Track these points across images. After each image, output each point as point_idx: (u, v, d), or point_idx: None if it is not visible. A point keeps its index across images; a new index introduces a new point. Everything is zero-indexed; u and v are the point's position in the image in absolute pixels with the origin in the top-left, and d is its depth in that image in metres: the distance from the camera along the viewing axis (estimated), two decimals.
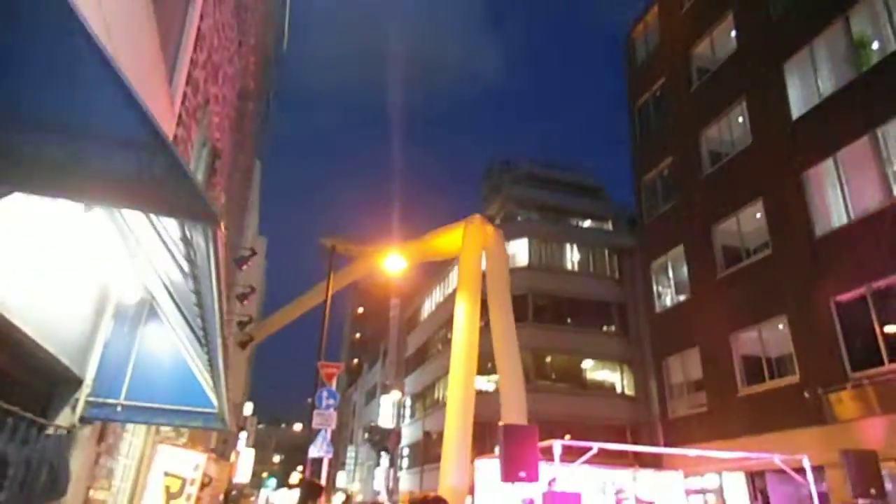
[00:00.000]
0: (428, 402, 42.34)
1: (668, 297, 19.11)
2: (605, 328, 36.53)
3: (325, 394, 12.02)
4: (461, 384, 17.54)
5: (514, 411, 16.17)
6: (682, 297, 18.23)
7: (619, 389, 35.76)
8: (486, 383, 35.28)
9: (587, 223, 41.17)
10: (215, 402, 4.71)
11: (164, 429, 7.88)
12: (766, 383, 14.55)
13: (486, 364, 35.78)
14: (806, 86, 14.64)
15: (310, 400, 12.75)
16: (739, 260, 15.96)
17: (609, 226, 40.91)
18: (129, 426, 6.07)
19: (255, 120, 15.19)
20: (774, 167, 14.99)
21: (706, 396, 16.43)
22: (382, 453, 48.95)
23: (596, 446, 7.83)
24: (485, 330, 36.80)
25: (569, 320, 36.05)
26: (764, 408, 14.36)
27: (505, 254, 20.00)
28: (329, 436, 11.81)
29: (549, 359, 34.74)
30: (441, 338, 43.00)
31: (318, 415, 11.77)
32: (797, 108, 14.71)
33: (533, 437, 6.96)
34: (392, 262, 15.52)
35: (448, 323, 42.46)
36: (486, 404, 34.52)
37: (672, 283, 18.73)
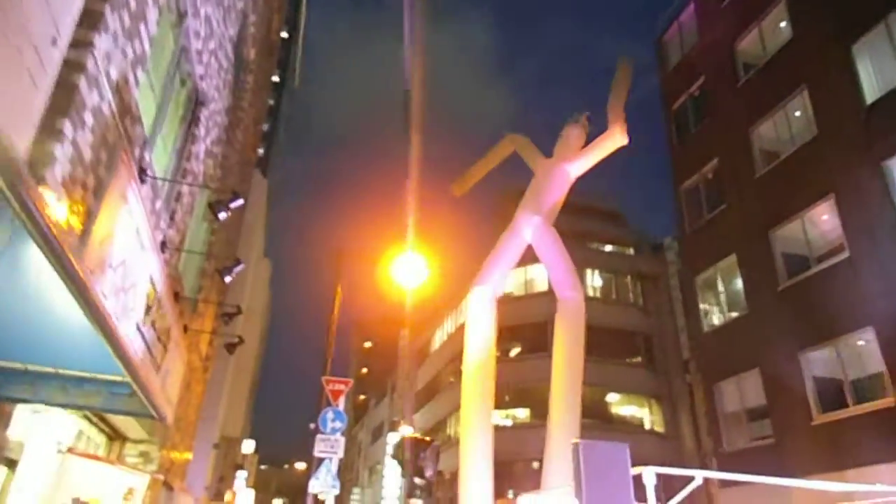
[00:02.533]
0: (440, 439, 39.75)
1: (716, 314, 17.03)
2: (630, 360, 34.21)
3: (330, 415, 9.98)
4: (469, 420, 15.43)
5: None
6: (735, 314, 16.15)
7: (647, 426, 33.23)
8: (501, 418, 32.91)
9: (607, 248, 39.20)
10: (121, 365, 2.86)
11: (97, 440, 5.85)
12: (849, 409, 12.37)
13: (502, 396, 33.52)
14: (881, 67, 12.89)
15: (312, 426, 10.66)
16: (806, 267, 13.94)
17: (631, 251, 38.93)
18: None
19: (256, 103, 13.46)
20: (846, 159, 13.12)
21: (772, 426, 14.20)
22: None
23: (699, 475, 5.76)
24: (502, 359, 34.51)
25: (592, 350, 33.64)
26: (846, 438, 12.15)
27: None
28: (336, 466, 9.71)
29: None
30: (453, 370, 40.66)
31: (321, 440, 9.71)
32: (871, 93, 12.93)
33: (623, 461, 4.94)
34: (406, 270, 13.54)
35: (461, 354, 40.26)
36: (500, 441, 32.14)
37: (722, 298, 16.68)
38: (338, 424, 9.93)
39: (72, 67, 3.31)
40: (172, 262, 6.76)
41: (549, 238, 15.69)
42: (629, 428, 32.99)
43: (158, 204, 5.52)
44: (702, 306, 17.35)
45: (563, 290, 15.40)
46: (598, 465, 4.78)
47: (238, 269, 6.65)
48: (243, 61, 10.42)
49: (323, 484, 9.45)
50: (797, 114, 15.13)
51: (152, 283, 5.59)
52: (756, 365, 14.75)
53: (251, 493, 34.45)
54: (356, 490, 59.36)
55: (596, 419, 31.41)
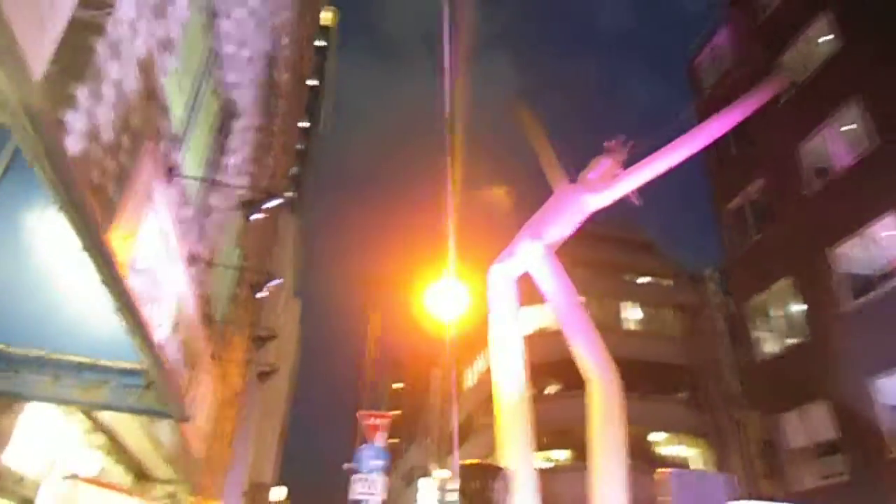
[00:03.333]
0: None
1: (771, 341, 15.97)
2: (673, 396, 32.71)
3: (368, 453, 9.26)
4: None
5: None
6: (793, 341, 15.09)
7: (695, 466, 31.48)
8: (541, 461, 31.48)
9: (643, 280, 38.07)
10: (139, 351, 2.33)
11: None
12: None
13: (540, 438, 32.18)
14: None
15: (346, 466, 9.97)
16: (872, 286, 12.97)
17: (669, 283, 37.74)
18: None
19: (287, 131, 13.23)
20: None
21: (844, 462, 13.01)
22: None
23: None
24: (538, 398, 33.40)
25: (632, 387, 32.23)
26: None
27: None
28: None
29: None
30: (488, 410, 39.43)
31: (359, 481, 8.98)
32: None
33: (720, 493, 4.18)
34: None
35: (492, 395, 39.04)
36: (540, 485, 30.60)
37: (777, 324, 15.65)
38: (378, 463, 9.21)
39: (88, 27, 2.87)
40: (202, 280, 6.28)
41: (558, 286, 14.30)
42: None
43: (187, 212, 5.07)
44: (754, 334, 16.32)
45: (591, 368, 13.40)
46: (691, 497, 4.03)
47: (273, 283, 6.13)
48: (275, 83, 10.18)
49: None
50: (849, 127, 14.38)
51: (179, 299, 5.09)
52: (822, 395, 13.64)
53: None
54: None
55: (638, 460, 29.77)
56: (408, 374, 73.48)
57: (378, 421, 9.48)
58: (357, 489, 8.82)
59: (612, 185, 13.69)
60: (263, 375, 8.28)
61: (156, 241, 4.17)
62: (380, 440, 9.46)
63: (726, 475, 3.90)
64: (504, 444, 14.78)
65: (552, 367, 31.90)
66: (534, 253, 14.03)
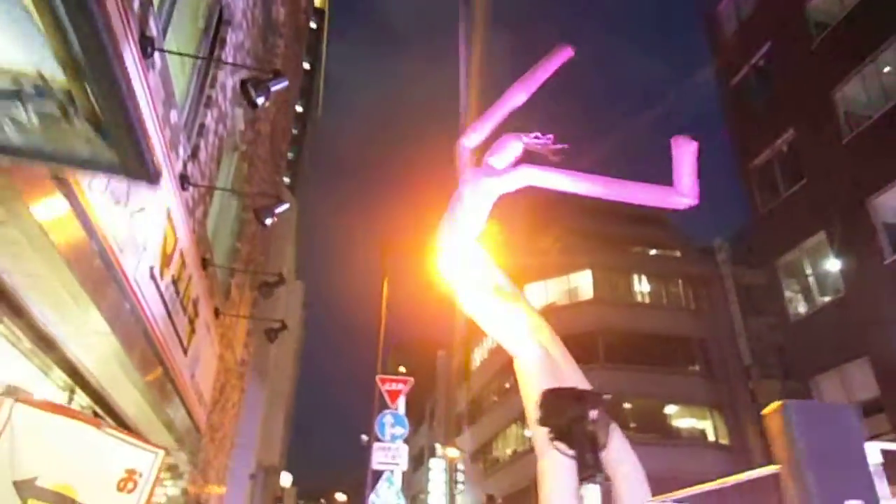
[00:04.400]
0: (487, 462, 37.71)
1: (804, 300, 15.13)
2: (686, 368, 32.01)
3: (388, 419, 8.44)
4: None
5: None
6: (828, 298, 14.26)
7: (710, 438, 30.86)
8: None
9: (652, 253, 37.21)
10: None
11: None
12: None
13: None
14: None
15: (365, 438, 9.08)
16: None
17: (677, 254, 36.91)
18: None
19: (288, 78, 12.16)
20: None
21: (888, 421, 12.23)
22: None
23: None
24: None
25: (644, 360, 31.58)
26: None
27: None
28: (400, 480, 8.14)
29: (626, 405, 30.17)
30: (496, 388, 38.78)
31: (380, 449, 8.16)
32: None
33: (854, 428, 3.34)
34: None
35: (504, 371, 38.39)
36: None
37: (811, 282, 14.80)
38: (398, 430, 8.40)
39: None
40: (198, 215, 5.38)
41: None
42: (691, 441, 30.76)
43: (174, 116, 4.14)
44: (786, 294, 15.47)
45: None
46: (821, 436, 3.23)
47: (281, 208, 5.22)
48: (273, 21, 9.20)
49: (385, 499, 7.87)
50: (887, 69, 13.44)
51: (170, 222, 4.19)
52: (863, 352, 12.83)
53: None
54: None
55: (654, 433, 29.18)
56: (412, 358, 72.99)
57: (398, 385, 8.66)
58: (378, 458, 8.01)
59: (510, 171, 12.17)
60: (272, 333, 7.40)
61: None
62: (400, 406, 8.65)
63: (849, 406, 3.25)
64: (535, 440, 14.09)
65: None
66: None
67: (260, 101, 3.75)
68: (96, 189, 2.78)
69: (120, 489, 2.50)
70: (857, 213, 13.28)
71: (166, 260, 4.21)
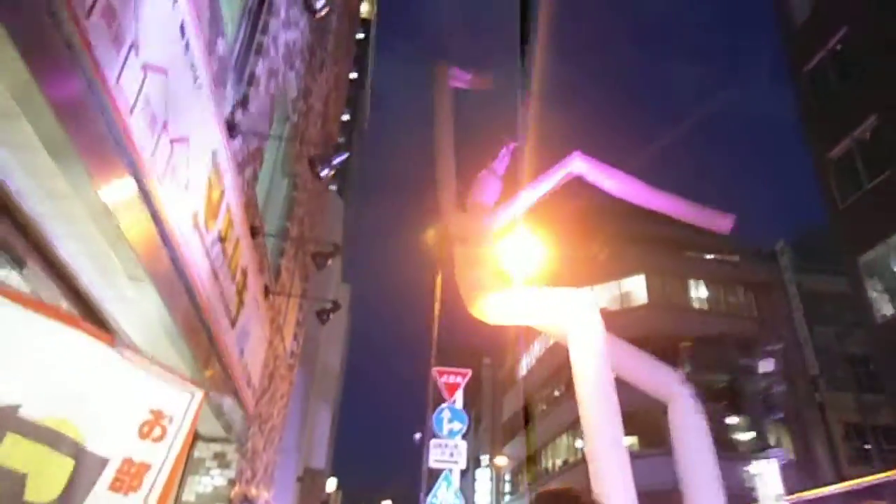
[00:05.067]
0: (536, 472, 36.65)
1: (890, 300, 13.87)
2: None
3: (446, 414, 7.83)
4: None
5: None
6: None
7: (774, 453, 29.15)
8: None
9: (709, 257, 35.70)
10: None
11: None
12: None
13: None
14: None
15: (418, 437, 8.52)
16: None
17: (736, 258, 35.29)
18: None
19: (339, 62, 11.88)
20: None
21: None
22: None
23: None
24: None
25: (704, 367, 30.18)
26: None
27: None
28: (458, 480, 7.52)
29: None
30: (545, 397, 37.77)
31: (437, 447, 7.55)
32: None
33: None
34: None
35: (552, 379, 37.32)
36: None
37: None
38: (457, 425, 7.78)
39: None
40: (247, 175, 4.92)
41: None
42: (752, 455, 29.10)
43: (221, 46, 3.66)
44: (870, 294, 14.23)
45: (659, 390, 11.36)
46: None
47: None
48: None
49: (443, 501, 7.25)
50: None
51: (216, 169, 3.71)
52: None
53: None
54: None
55: (714, 446, 27.74)
56: (457, 365, 72.34)
57: (456, 378, 8.05)
58: (435, 456, 7.40)
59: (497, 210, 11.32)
60: (323, 314, 6.90)
61: (173, 43, 2.76)
62: (458, 400, 8.03)
63: None
64: (590, 437, 13.28)
65: None
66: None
67: (324, 173, 3.35)
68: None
69: (143, 435, 1.90)
70: None
71: (212, 210, 3.73)
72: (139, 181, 2.60)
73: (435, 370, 8.08)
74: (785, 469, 27.86)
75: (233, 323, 4.83)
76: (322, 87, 9.74)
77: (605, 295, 33.98)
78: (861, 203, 14.61)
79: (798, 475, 28.27)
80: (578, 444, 31.02)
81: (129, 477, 1.79)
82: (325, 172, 4.82)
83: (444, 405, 7.86)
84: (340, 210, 31.65)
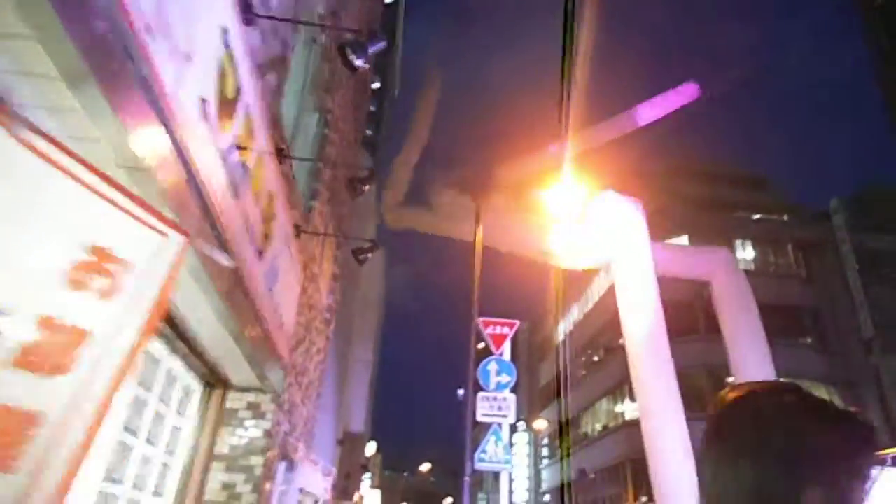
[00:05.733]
0: (576, 437, 36.21)
1: None
2: (797, 340, 29.19)
3: (493, 367, 7.26)
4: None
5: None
6: None
7: None
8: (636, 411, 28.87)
9: (757, 217, 34.15)
10: None
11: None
12: None
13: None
14: None
15: (460, 391, 8.03)
16: None
17: (785, 218, 33.71)
18: None
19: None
20: None
21: None
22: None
23: None
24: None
25: None
26: None
27: None
28: (508, 434, 6.94)
29: (730, 379, 27.77)
30: (584, 363, 37.11)
31: (484, 399, 7.00)
32: None
33: None
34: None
35: (591, 344, 36.60)
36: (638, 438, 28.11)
37: None
38: (505, 378, 7.21)
39: None
40: (270, 82, 4.30)
41: None
42: None
43: None
44: None
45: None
46: None
47: (376, 47, 4.06)
48: None
49: (493, 457, 6.73)
50: None
51: (229, 56, 3.09)
52: None
53: (378, 493, 32.78)
54: (481, 495, 56.71)
55: None
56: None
57: (503, 329, 7.46)
58: (483, 409, 6.86)
59: None
60: (360, 253, 6.31)
61: None
62: (506, 352, 7.46)
63: None
64: (642, 396, 13.19)
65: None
66: None
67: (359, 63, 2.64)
68: None
69: (75, 284, 1.26)
70: None
71: (226, 106, 3.13)
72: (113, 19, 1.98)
73: (480, 320, 7.49)
74: None
75: (259, 254, 4.29)
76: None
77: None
78: None
79: None
80: (618, 408, 30.38)
81: (50, 348, 1.17)
82: (360, 62, 4.16)
83: (490, 357, 7.29)
84: (373, 185, 31.10)
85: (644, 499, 25.90)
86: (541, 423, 35.90)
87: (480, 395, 6.99)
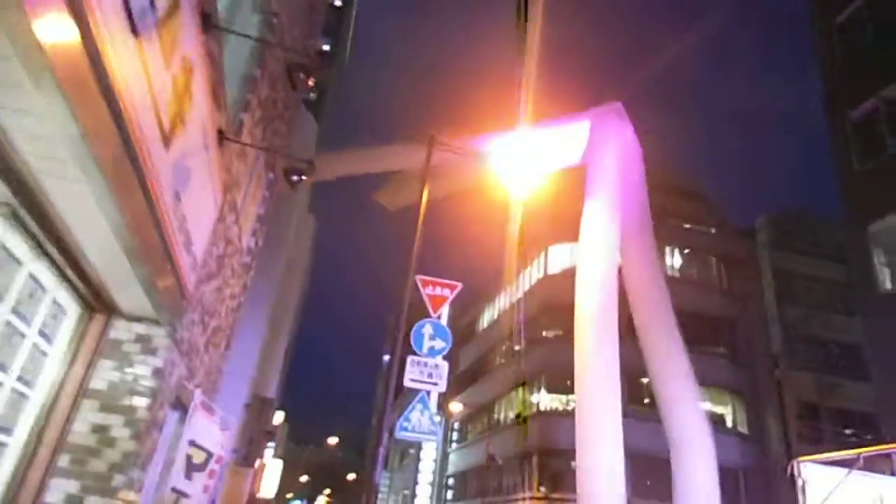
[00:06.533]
0: (486, 423, 36.26)
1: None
2: (711, 349, 30.12)
3: (427, 329, 6.57)
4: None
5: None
6: None
7: (728, 424, 29.22)
8: (560, 404, 29.22)
9: (688, 227, 34.97)
10: None
11: None
12: None
13: (563, 381, 29.76)
14: None
15: (386, 357, 7.21)
16: None
17: (713, 231, 34.70)
18: None
19: None
20: None
21: None
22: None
23: None
24: (562, 338, 30.88)
25: None
26: None
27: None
28: (436, 404, 6.25)
29: (645, 380, 28.34)
30: (505, 351, 37.11)
31: (415, 364, 6.31)
32: None
33: None
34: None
35: (516, 332, 36.61)
36: (552, 428, 28.46)
37: None
38: (439, 343, 6.54)
39: None
40: None
41: None
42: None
43: None
44: (877, 265, 13.40)
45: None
46: None
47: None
48: None
49: (417, 426, 6.04)
50: None
51: None
52: None
53: (279, 463, 31.60)
54: (385, 473, 56.39)
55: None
56: (416, 314, 71.61)
57: (444, 290, 6.76)
58: (412, 374, 6.16)
59: None
60: (292, 173, 5.37)
61: None
62: (444, 316, 6.78)
63: None
64: (583, 371, 13.39)
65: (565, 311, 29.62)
66: None
67: None
68: None
69: None
70: None
71: None
72: None
73: (419, 278, 6.76)
74: (737, 442, 27.99)
75: (165, 141, 3.37)
76: None
77: (556, 259, 33.16)
78: (882, 167, 13.64)
79: (750, 450, 28.49)
80: (534, 398, 30.49)
81: None
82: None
83: (426, 320, 6.58)
84: (314, 132, 29.63)
85: (543, 489, 26.15)
86: (456, 406, 35.66)
87: (410, 358, 6.29)
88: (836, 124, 14.92)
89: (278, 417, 37.49)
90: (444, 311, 6.90)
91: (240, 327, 11.37)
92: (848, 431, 28.14)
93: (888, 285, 13.22)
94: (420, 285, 6.76)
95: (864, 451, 7.02)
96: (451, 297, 6.80)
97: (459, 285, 6.91)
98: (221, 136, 4.73)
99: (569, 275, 31.83)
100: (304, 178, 5.15)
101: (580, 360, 14.82)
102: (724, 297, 31.85)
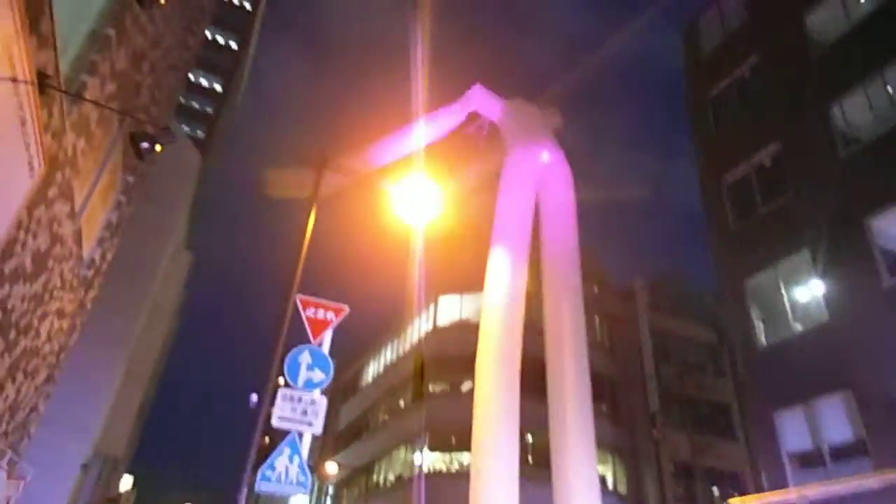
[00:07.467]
0: (364, 486, 34.06)
1: (776, 328, 13.58)
2: (594, 406, 30.37)
3: (305, 357, 5.50)
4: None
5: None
6: (805, 326, 12.76)
7: (609, 485, 29.25)
8: (449, 464, 28.01)
9: None
10: None
11: None
12: None
13: (449, 438, 28.61)
14: None
15: (254, 398, 6.18)
16: None
17: (595, 290, 35.82)
18: None
19: None
20: None
21: (873, 467, 10.60)
22: None
23: None
24: (452, 394, 29.90)
25: (545, 389, 29.65)
26: None
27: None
28: (308, 448, 5.12)
29: (529, 437, 27.95)
30: (389, 407, 35.55)
31: (286, 399, 5.20)
32: None
33: None
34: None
35: (399, 389, 35.25)
36: (449, 493, 27.05)
37: (786, 306, 13.28)
38: (318, 375, 5.45)
39: None
40: None
41: None
42: None
43: None
44: (753, 319, 13.90)
45: None
46: None
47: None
48: None
49: (283, 476, 4.85)
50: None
51: None
52: (846, 385, 11.26)
53: None
54: None
55: (547, 469, 27.23)
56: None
57: (328, 314, 5.72)
58: (282, 411, 5.02)
59: None
60: (144, 139, 4.22)
61: None
62: (325, 343, 5.74)
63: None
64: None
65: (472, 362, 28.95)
66: None
67: None
68: None
69: None
70: (851, 233, 11.93)
71: None
72: None
73: (299, 297, 5.70)
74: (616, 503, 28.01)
75: None
76: None
77: (469, 306, 32.85)
78: (754, 227, 14.38)
79: None
80: (416, 459, 29.09)
81: None
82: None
83: (304, 346, 5.50)
84: (195, 164, 27.67)
85: None
86: (332, 467, 33.33)
87: (282, 392, 5.15)
88: (711, 188, 15.72)
89: (126, 482, 33.23)
90: (327, 337, 5.88)
91: (79, 364, 9.57)
92: (717, 492, 29.18)
93: (765, 339, 13.70)
94: (300, 306, 5.69)
95: None
96: (335, 322, 5.78)
97: (346, 308, 5.92)
98: (42, 79, 3.60)
99: (458, 327, 31.43)
100: (157, 147, 4.05)
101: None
102: (608, 355, 32.58)
